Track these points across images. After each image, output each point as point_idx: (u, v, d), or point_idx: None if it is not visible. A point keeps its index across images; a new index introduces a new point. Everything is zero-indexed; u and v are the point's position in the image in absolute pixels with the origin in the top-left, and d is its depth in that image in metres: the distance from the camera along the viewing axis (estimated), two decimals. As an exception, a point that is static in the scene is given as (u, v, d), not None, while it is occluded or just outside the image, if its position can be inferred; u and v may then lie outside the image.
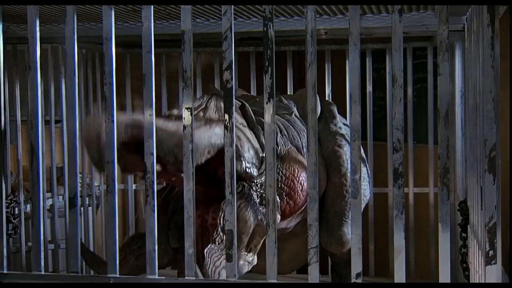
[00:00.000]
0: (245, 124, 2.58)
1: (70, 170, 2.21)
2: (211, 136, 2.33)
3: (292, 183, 2.57)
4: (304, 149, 2.69)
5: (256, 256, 2.50)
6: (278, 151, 2.59)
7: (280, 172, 2.56)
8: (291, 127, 2.77)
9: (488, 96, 1.89)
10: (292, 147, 2.67)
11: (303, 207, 2.62)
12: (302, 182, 2.58)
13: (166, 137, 2.23)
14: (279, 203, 2.52)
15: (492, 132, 1.89)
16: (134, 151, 2.23)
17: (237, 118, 2.50)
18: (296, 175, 2.58)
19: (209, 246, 2.35)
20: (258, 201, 2.46)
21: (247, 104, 2.63)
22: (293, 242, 2.90)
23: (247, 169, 2.43)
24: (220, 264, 2.33)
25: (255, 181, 2.47)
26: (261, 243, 2.50)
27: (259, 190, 2.47)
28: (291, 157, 2.61)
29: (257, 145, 2.52)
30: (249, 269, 2.49)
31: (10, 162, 3.19)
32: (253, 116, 2.62)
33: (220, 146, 2.33)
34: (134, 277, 2.22)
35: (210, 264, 2.31)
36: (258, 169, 2.47)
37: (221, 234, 2.39)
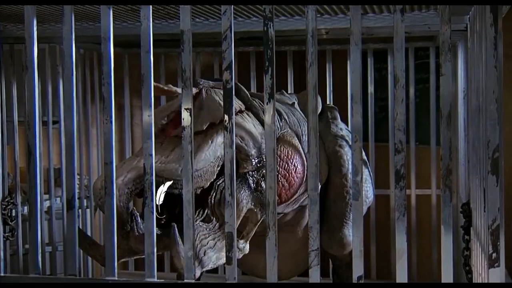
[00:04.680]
0: (242, 108, 2.55)
1: (67, 172, 2.19)
2: (215, 149, 2.33)
3: (286, 165, 2.56)
4: (304, 137, 2.68)
5: (248, 245, 2.47)
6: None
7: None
8: (291, 114, 2.75)
9: (491, 96, 1.87)
10: (289, 130, 2.66)
11: (298, 193, 2.61)
12: (296, 164, 2.58)
13: (175, 175, 2.25)
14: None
15: (495, 133, 1.87)
16: None
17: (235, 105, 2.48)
18: (290, 157, 2.57)
19: (197, 223, 2.32)
20: (254, 186, 2.44)
21: (239, 84, 2.61)
22: (291, 235, 2.88)
23: (257, 165, 2.45)
24: (207, 243, 2.30)
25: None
26: (253, 231, 2.47)
27: (255, 175, 2.45)
28: (285, 140, 2.61)
29: (259, 128, 2.51)
30: (239, 257, 2.45)
31: (7, 163, 3.17)
32: (249, 96, 2.60)
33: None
34: (132, 280, 2.20)
35: (196, 241, 2.27)
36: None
37: (209, 213, 2.37)
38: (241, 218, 2.42)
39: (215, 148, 2.34)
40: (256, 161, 2.43)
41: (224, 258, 2.34)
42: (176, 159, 2.27)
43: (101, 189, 2.24)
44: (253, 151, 2.42)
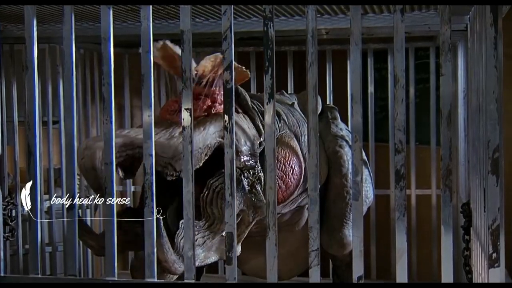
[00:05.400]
0: (239, 110, 2.55)
1: (67, 172, 2.19)
2: (206, 138, 2.31)
3: (283, 166, 2.55)
4: (303, 138, 2.68)
5: (239, 247, 2.46)
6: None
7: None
8: (290, 114, 2.75)
9: (491, 96, 1.87)
10: (288, 131, 2.65)
11: (294, 194, 2.61)
12: (293, 166, 2.58)
13: (160, 151, 2.20)
14: None
15: (495, 133, 1.86)
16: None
17: None
18: (287, 158, 2.57)
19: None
20: (248, 188, 2.42)
21: (240, 88, 2.60)
22: (290, 234, 2.87)
23: (246, 163, 2.42)
24: (195, 240, 2.29)
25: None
26: (245, 233, 2.46)
27: (250, 177, 2.43)
28: (283, 141, 2.60)
29: (252, 131, 2.50)
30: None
31: (7, 164, 3.16)
32: (248, 99, 2.59)
33: (216, 145, 2.32)
34: (132, 280, 2.20)
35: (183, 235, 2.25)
36: (256, 157, 2.45)
37: (200, 211, 2.35)
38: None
39: (206, 136, 2.32)
40: (245, 159, 2.41)
41: (213, 257, 2.34)
42: (165, 138, 2.26)
43: (85, 149, 2.21)
44: (243, 148, 2.41)
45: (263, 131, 2.51)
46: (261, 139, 2.47)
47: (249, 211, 2.43)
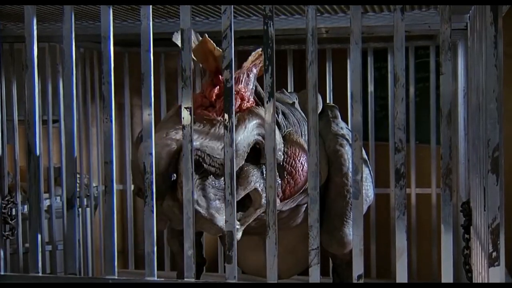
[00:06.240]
0: (259, 103, 2.53)
1: (67, 171, 2.19)
2: (248, 136, 2.30)
3: (294, 162, 2.53)
4: (304, 137, 2.67)
5: (241, 232, 2.42)
6: (280, 132, 2.56)
7: (282, 150, 2.52)
8: (291, 114, 2.75)
9: (491, 95, 1.87)
10: (294, 128, 2.65)
11: (301, 190, 2.60)
12: (303, 163, 2.55)
13: (215, 153, 2.20)
14: (279, 183, 2.48)
15: (495, 132, 1.86)
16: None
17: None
18: (297, 154, 2.55)
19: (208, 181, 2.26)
20: (265, 174, 2.41)
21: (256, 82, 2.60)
22: (287, 232, 2.87)
23: (278, 157, 2.43)
24: (208, 194, 2.25)
25: None
26: (252, 217, 2.43)
27: None
28: (292, 138, 2.58)
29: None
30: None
31: (7, 162, 3.17)
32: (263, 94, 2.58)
33: (254, 142, 2.32)
34: (132, 280, 2.20)
35: (205, 197, 2.23)
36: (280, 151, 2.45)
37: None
38: (246, 191, 2.38)
39: (248, 134, 2.31)
40: (280, 155, 2.42)
41: (221, 222, 2.26)
42: (214, 137, 2.25)
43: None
44: (279, 146, 2.41)
45: (282, 125, 2.52)
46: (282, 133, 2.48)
47: (262, 193, 2.40)
